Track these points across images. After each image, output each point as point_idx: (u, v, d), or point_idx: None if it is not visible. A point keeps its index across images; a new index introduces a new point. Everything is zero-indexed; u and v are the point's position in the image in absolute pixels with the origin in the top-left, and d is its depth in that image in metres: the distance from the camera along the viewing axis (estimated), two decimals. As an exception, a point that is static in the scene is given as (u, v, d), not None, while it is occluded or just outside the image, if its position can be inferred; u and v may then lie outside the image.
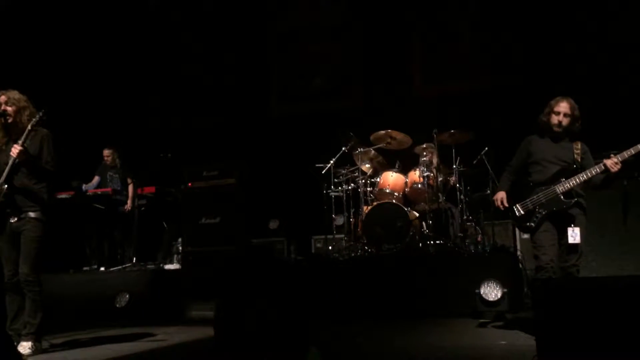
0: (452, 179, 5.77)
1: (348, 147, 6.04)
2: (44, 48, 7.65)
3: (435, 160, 5.78)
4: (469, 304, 4.61)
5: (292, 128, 7.84)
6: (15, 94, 3.93)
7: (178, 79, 8.53)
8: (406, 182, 5.85)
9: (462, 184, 5.73)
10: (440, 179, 5.73)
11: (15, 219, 3.84)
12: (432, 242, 5.45)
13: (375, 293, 4.96)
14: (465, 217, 5.69)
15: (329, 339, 3.89)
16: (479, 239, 5.69)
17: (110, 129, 8.02)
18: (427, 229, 5.60)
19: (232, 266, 5.43)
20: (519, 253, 5.37)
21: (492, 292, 4.56)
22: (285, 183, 7.36)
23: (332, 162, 6.03)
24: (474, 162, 5.71)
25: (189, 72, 8.52)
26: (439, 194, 5.69)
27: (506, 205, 3.85)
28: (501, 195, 3.90)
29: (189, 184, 6.01)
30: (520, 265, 4.99)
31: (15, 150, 3.72)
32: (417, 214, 5.80)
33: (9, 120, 3.87)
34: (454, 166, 5.64)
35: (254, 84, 8.40)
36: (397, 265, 5.16)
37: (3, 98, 3.89)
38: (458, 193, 5.68)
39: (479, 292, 4.57)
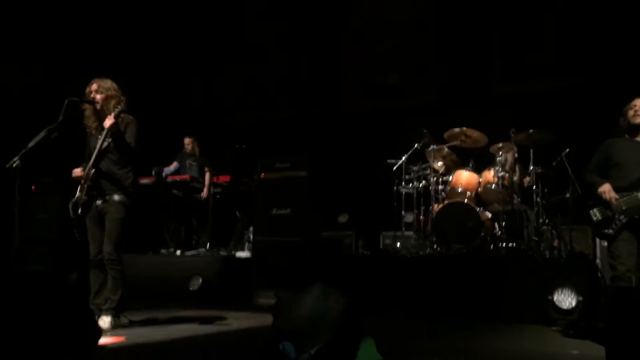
0: (528, 180, 5.56)
1: (421, 144, 5.97)
2: (131, 39, 8.08)
3: (511, 160, 5.60)
4: (540, 311, 4.45)
5: (365, 123, 7.82)
6: (106, 83, 4.18)
7: (255, 73, 8.73)
8: (479, 182, 5.71)
9: (539, 185, 5.51)
10: (515, 179, 5.55)
11: (101, 201, 4.11)
12: (504, 244, 5.29)
13: (442, 293, 4.89)
14: (541, 220, 5.47)
15: (392, 334, 3.89)
16: (555, 243, 5.46)
17: (190, 119, 8.37)
18: (499, 230, 5.45)
19: (299, 257, 5.56)
20: (597, 261, 5.11)
21: (566, 299, 4.37)
22: (356, 178, 7.36)
23: (404, 158, 5.98)
24: (553, 163, 5.47)
25: (265, 66, 8.68)
26: (514, 195, 5.51)
27: (617, 197, 3.62)
28: (608, 187, 3.63)
29: (262, 175, 6.15)
30: (599, 274, 4.75)
31: (108, 121, 3.96)
32: (490, 215, 5.65)
33: (98, 107, 4.14)
34: (531, 167, 5.44)
35: (328, 78, 8.43)
36: (467, 266, 5.05)
37: (94, 86, 4.15)
38: (534, 195, 5.47)
39: (553, 299, 4.40)
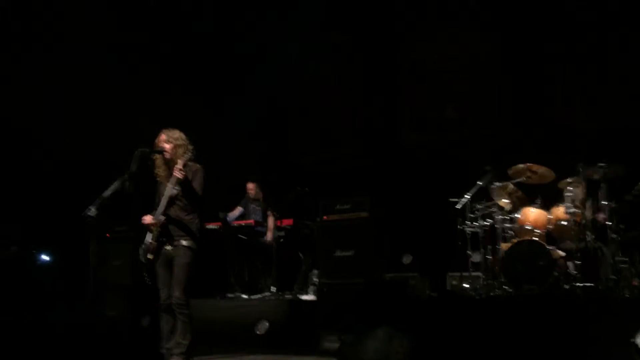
0: (601, 216, 5.31)
1: (484, 180, 5.85)
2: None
3: (581, 196, 5.38)
4: (622, 355, 4.16)
5: (425, 160, 7.76)
6: (174, 133, 4.40)
7: (313, 114, 8.90)
8: (549, 219, 5.51)
9: (614, 221, 5.24)
10: (587, 215, 5.31)
11: (170, 246, 4.26)
12: (579, 284, 5.03)
13: (514, 336, 4.67)
14: (618, 257, 5.17)
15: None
16: (634, 282, 5.13)
17: (252, 163, 8.59)
18: (573, 269, 5.20)
19: (364, 299, 5.50)
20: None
21: (651, 342, 4.08)
22: (418, 217, 7.27)
23: (467, 196, 5.87)
24: (628, 197, 5.21)
25: (323, 107, 8.84)
26: (587, 232, 5.26)
27: None
28: None
29: (324, 217, 6.18)
30: (687, 315, 4.41)
31: (176, 170, 4.15)
32: (562, 253, 5.41)
33: (167, 157, 4.35)
34: (603, 202, 5.20)
35: (386, 115, 8.46)
36: (540, 308, 4.82)
37: (163, 137, 4.38)
38: (609, 231, 5.21)
39: (636, 342, 4.11)
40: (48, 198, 7.59)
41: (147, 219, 4.32)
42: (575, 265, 5.19)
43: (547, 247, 5.26)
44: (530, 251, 5.27)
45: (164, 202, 4.24)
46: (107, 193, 4.14)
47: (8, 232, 6.70)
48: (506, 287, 5.37)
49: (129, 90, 8.03)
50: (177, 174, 4.16)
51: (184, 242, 4.25)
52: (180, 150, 4.32)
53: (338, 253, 6.02)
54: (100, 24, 7.81)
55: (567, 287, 5.12)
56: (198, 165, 4.42)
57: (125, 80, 8.04)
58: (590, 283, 5.01)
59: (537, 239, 5.39)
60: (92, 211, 3.94)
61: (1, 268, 6.51)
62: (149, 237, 4.28)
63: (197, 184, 4.32)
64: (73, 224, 4.96)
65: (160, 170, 4.41)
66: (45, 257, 8.09)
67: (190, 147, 4.37)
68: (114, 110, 7.91)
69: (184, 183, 4.21)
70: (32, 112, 7.61)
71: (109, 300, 6.65)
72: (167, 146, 4.34)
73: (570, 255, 5.35)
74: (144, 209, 4.41)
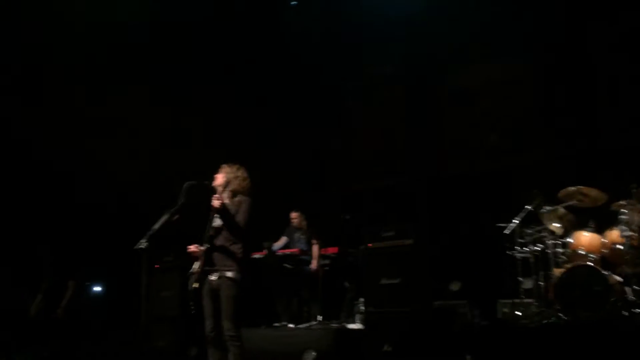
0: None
1: (533, 205, 5.71)
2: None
3: (637, 219, 5.17)
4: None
5: (470, 186, 7.64)
6: (228, 167, 4.54)
7: (354, 143, 8.93)
8: (603, 243, 5.32)
9: (674, 244, 5.01)
10: (645, 238, 5.10)
11: (214, 276, 4.30)
12: (638, 310, 4.80)
13: (572, 366, 4.49)
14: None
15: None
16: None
17: (294, 193, 8.65)
18: (631, 295, 4.97)
19: (411, 328, 5.39)
20: None
21: None
22: (466, 243, 7.13)
23: (516, 221, 5.73)
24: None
25: (363, 136, 8.85)
26: (645, 256, 5.04)
27: None
28: None
29: (369, 245, 6.14)
30: None
31: (215, 200, 4.21)
32: (619, 279, 5.19)
33: (215, 189, 4.44)
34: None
35: (429, 143, 8.42)
36: (598, 336, 4.62)
37: (221, 170, 4.51)
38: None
39: None
40: (99, 232, 7.84)
41: (192, 248, 4.40)
42: (634, 291, 4.97)
43: (603, 272, 5.06)
44: (586, 276, 5.09)
45: (208, 231, 4.32)
46: (157, 226, 4.24)
47: (64, 265, 6.93)
48: (561, 315, 5.17)
49: (178, 123, 8.29)
50: (213, 203, 4.22)
51: (228, 274, 4.27)
52: (231, 185, 4.41)
53: (384, 281, 5.94)
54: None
55: (626, 313, 4.89)
56: (245, 197, 4.46)
57: (177, 114, 8.31)
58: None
59: (591, 263, 5.20)
60: (143, 244, 4.03)
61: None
62: (195, 266, 4.35)
63: (240, 215, 4.36)
64: (124, 257, 5.08)
65: None
66: (97, 289, 8.33)
67: (243, 182, 4.44)
68: (163, 144, 8.17)
69: (221, 213, 4.26)
70: (81, 152, 7.93)
71: (158, 331, 6.75)
72: (219, 179, 4.44)
73: (627, 281, 5.13)
74: (193, 240, 4.48)
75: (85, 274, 7.48)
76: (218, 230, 4.36)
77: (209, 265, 4.31)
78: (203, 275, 4.31)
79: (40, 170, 7.73)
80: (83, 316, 7.16)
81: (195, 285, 4.28)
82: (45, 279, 6.81)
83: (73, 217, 7.78)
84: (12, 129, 7.62)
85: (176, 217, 4.22)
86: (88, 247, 7.60)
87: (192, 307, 4.31)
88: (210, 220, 4.40)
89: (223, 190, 4.42)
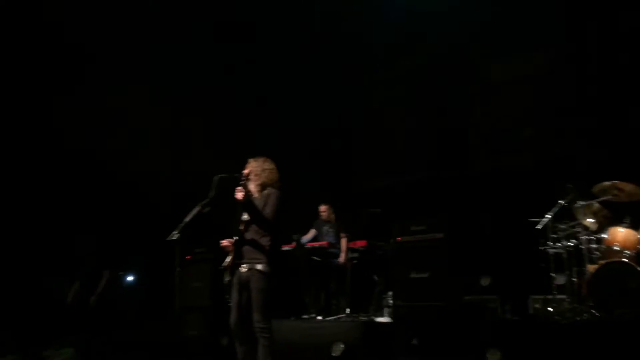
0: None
1: (567, 200, 5.60)
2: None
3: (675, 214, 5.04)
4: None
5: (503, 180, 7.53)
6: (257, 160, 4.53)
7: (385, 137, 8.88)
8: (639, 239, 5.19)
9: None
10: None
11: (245, 269, 4.34)
12: (676, 308, 4.68)
13: (605, 364, 4.40)
14: None
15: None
16: None
17: (325, 186, 8.67)
18: (668, 292, 4.84)
19: (441, 322, 5.37)
20: None
21: None
22: (497, 238, 7.05)
23: (549, 216, 5.64)
24: None
25: (395, 130, 8.80)
26: (683, 253, 4.91)
27: None
28: None
29: (398, 239, 6.12)
30: None
31: (238, 193, 4.23)
32: (656, 275, 5.06)
33: (243, 181, 4.47)
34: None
35: (460, 137, 8.32)
36: (632, 333, 4.52)
37: (249, 164, 4.52)
38: None
39: None
40: (136, 223, 8.03)
41: (224, 242, 4.45)
42: (671, 289, 4.83)
43: (638, 268, 4.94)
44: (620, 273, 4.98)
45: (237, 224, 4.36)
46: (188, 218, 4.31)
47: (104, 255, 7.11)
48: (594, 311, 5.08)
49: (208, 120, 8.40)
50: (236, 195, 4.24)
51: (258, 267, 4.29)
52: (260, 179, 4.42)
53: (413, 275, 5.92)
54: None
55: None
56: (276, 191, 4.48)
57: (206, 111, 8.42)
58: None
59: (626, 260, 5.08)
60: (176, 235, 4.11)
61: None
62: (227, 259, 4.40)
63: (269, 208, 4.37)
64: (157, 248, 5.19)
65: None
66: (130, 279, 8.52)
67: (271, 174, 4.45)
68: (194, 140, 8.30)
69: (247, 206, 4.27)
70: (120, 146, 8.12)
71: (190, 321, 6.87)
72: (246, 172, 4.47)
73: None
74: (224, 232, 4.54)
75: (119, 264, 7.66)
76: (248, 223, 4.39)
77: (238, 257, 4.35)
78: (233, 268, 4.36)
79: (83, 160, 7.97)
80: (117, 306, 7.34)
81: (228, 278, 4.34)
82: (85, 267, 7.00)
83: (115, 208, 7.98)
84: (54, 120, 7.85)
85: (207, 209, 4.28)
86: (126, 238, 7.78)
87: (228, 299, 4.36)
88: (239, 212, 4.44)
89: (251, 183, 4.44)
